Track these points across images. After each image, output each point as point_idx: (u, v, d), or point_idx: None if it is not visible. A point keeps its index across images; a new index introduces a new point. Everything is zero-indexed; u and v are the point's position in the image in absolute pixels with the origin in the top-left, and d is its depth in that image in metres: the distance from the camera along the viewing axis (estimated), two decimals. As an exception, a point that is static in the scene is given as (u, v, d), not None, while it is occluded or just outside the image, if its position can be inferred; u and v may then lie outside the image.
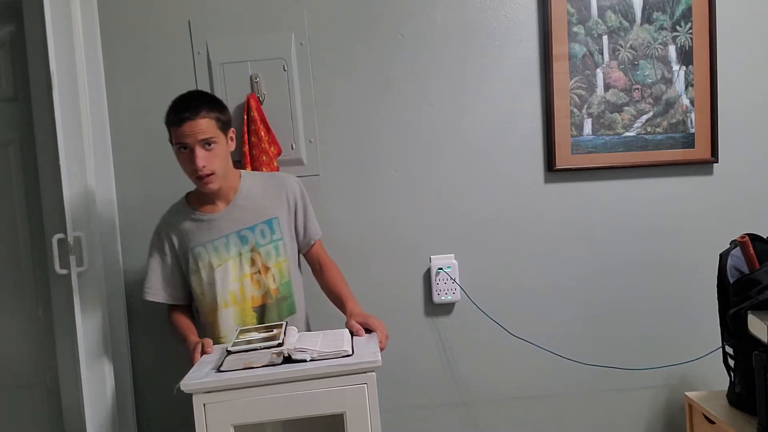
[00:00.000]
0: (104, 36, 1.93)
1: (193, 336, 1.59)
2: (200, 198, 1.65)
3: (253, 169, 1.86)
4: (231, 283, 1.62)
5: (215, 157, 1.55)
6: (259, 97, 1.91)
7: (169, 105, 1.57)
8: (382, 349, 1.42)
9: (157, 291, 1.66)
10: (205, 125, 1.51)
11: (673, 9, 1.98)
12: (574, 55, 1.97)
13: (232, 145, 1.63)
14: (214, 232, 1.62)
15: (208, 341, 1.50)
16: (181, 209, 1.68)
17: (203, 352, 1.46)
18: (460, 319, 2.02)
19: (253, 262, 1.63)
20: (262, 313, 1.65)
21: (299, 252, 1.75)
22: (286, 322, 1.51)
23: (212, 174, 1.55)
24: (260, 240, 1.63)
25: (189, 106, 1.53)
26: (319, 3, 1.95)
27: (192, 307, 1.73)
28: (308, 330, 1.74)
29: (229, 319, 1.62)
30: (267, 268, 1.64)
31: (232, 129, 1.64)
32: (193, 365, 1.40)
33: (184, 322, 1.66)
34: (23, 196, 1.98)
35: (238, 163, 1.91)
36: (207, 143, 1.52)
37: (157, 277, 1.66)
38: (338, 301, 1.67)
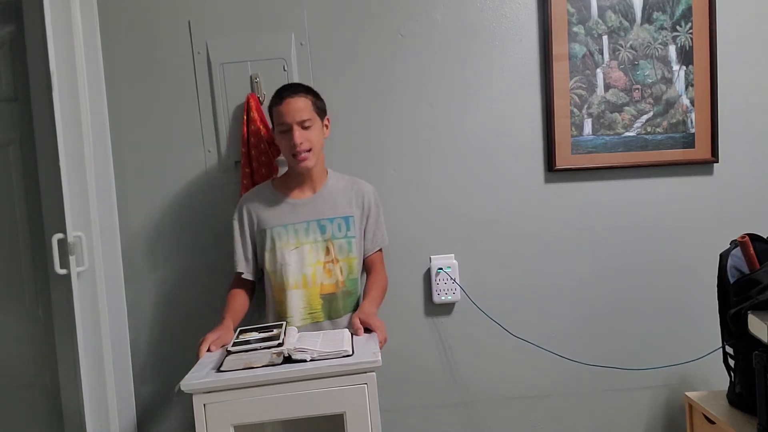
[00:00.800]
0: (104, 36, 1.93)
1: (226, 322, 1.60)
2: (288, 183, 1.75)
3: (252, 169, 1.86)
4: (306, 267, 1.69)
5: (312, 135, 1.66)
6: (259, 97, 1.91)
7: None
8: None
9: (242, 265, 1.73)
10: (302, 104, 1.65)
11: (673, 9, 1.98)
12: (574, 55, 1.97)
13: (327, 133, 1.75)
14: (297, 216, 1.71)
15: (218, 340, 1.49)
16: (265, 190, 1.76)
17: (209, 348, 1.48)
18: (460, 319, 2.02)
19: (327, 252, 1.70)
20: (329, 301, 1.70)
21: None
22: (286, 322, 1.51)
23: (309, 150, 1.65)
24: (336, 233, 1.71)
25: (288, 87, 1.69)
26: (319, 3, 1.95)
27: (254, 287, 1.78)
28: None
29: (298, 300, 1.68)
30: (337, 260, 1.71)
31: (328, 118, 1.75)
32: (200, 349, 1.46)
33: (236, 304, 1.69)
34: (23, 196, 1.98)
35: (238, 164, 1.92)
36: (304, 125, 1.64)
37: (241, 251, 1.74)
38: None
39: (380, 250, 1.81)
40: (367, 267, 1.80)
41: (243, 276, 1.73)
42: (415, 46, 1.97)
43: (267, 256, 1.70)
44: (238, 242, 1.74)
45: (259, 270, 1.76)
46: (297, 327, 1.60)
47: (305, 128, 1.64)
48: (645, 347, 2.04)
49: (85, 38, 1.83)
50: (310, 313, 1.69)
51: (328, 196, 1.73)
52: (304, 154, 1.64)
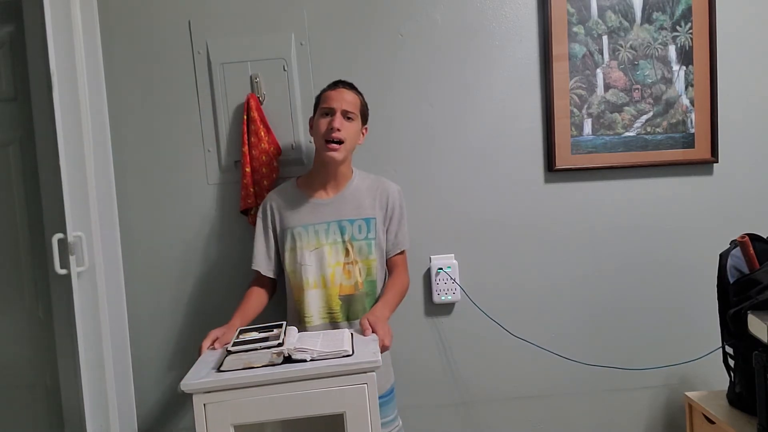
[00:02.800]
0: (104, 36, 1.93)
1: (233, 321, 1.61)
2: (312, 182, 1.75)
3: (253, 169, 1.86)
4: (325, 268, 1.69)
5: (350, 130, 1.67)
6: (259, 97, 1.91)
7: None
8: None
9: (261, 263, 1.74)
10: (352, 98, 1.69)
11: (673, 9, 1.98)
12: (574, 55, 1.97)
13: (362, 140, 1.76)
14: (318, 216, 1.71)
15: (224, 338, 1.50)
16: (290, 189, 1.77)
17: (212, 347, 1.49)
18: (460, 319, 2.02)
19: (347, 253, 1.70)
20: (348, 302, 1.70)
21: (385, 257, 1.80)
22: (286, 322, 1.51)
23: (342, 143, 1.65)
24: (357, 234, 1.71)
25: (345, 82, 1.73)
26: (319, 3, 1.95)
27: (276, 284, 1.79)
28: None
29: (316, 300, 1.69)
30: (356, 262, 1.70)
31: (366, 127, 1.77)
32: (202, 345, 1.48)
33: (249, 304, 1.69)
34: (23, 196, 1.98)
35: (238, 164, 1.92)
36: (348, 114, 1.66)
37: (261, 248, 1.75)
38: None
39: (403, 252, 1.80)
40: (389, 268, 1.80)
41: (263, 273, 1.74)
42: (415, 46, 1.97)
43: (287, 255, 1.71)
44: (260, 239, 1.75)
45: (280, 268, 1.76)
46: (316, 326, 1.64)
47: (347, 119, 1.66)
48: (645, 347, 2.04)
49: (85, 38, 1.83)
50: (328, 313, 1.69)
51: (351, 197, 1.73)
52: (335, 144, 1.65)
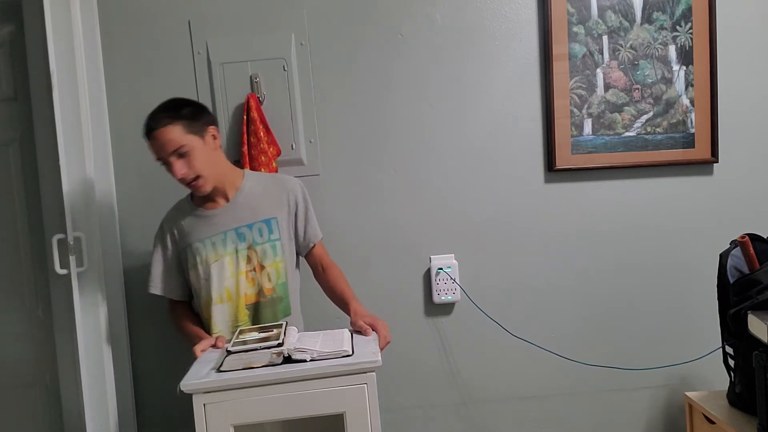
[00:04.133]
0: (104, 36, 1.93)
1: (200, 333, 1.61)
2: (203, 195, 1.66)
3: (251, 169, 1.86)
4: (227, 279, 1.62)
5: (194, 160, 1.54)
6: (259, 97, 1.91)
7: None
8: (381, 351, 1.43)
9: (158, 285, 1.68)
10: (170, 134, 1.51)
11: (673, 9, 1.98)
12: (574, 55, 1.97)
13: (216, 143, 1.62)
14: (213, 228, 1.63)
15: (222, 338, 1.52)
16: (184, 205, 1.70)
17: (215, 346, 1.49)
18: (460, 319, 2.02)
19: (249, 260, 1.64)
20: (255, 311, 1.65)
21: (299, 254, 1.75)
22: (286, 323, 1.51)
23: (199, 177, 1.55)
24: (257, 238, 1.64)
25: (154, 117, 1.53)
26: (319, 3, 1.95)
27: (192, 304, 1.73)
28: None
29: (224, 315, 1.63)
30: (262, 267, 1.64)
31: (213, 127, 1.62)
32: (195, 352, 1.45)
33: (187, 320, 1.67)
34: (23, 196, 1.98)
35: (238, 163, 1.91)
36: (179, 153, 1.52)
37: (159, 271, 1.68)
38: (341, 302, 1.67)
39: (320, 242, 1.74)
40: (315, 265, 1.74)
41: (162, 295, 1.68)
42: (415, 46, 1.97)
43: (191, 273, 1.64)
44: (158, 262, 1.67)
45: (183, 289, 1.70)
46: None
47: (182, 155, 1.52)
48: (645, 347, 2.04)
49: (85, 38, 1.83)
50: (236, 326, 1.61)
51: (245, 201, 1.65)
52: (194, 182, 1.55)
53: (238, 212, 1.64)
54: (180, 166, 1.53)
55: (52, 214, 1.87)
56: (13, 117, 1.96)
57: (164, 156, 1.53)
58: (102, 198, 1.87)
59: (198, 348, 1.48)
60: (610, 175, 2.01)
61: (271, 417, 1.31)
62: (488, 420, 2.05)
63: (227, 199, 1.66)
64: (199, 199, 1.67)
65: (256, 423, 1.31)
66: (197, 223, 1.64)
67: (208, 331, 1.63)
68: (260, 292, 1.65)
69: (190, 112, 1.56)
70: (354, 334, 1.49)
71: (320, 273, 1.74)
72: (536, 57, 1.98)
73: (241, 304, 1.64)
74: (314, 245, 1.73)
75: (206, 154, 1.57)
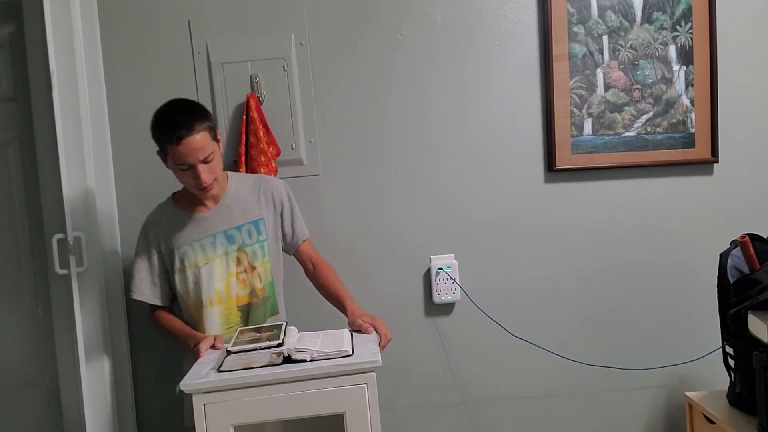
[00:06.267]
0: (104, 36, 1.93)
1: (193, 332, 1.60)
2: (189, 198, 1.65)
3: (251, 169, 1.86)
4: (217, 282, 1.62)
5: (215, 166, 1.56)
6: (258, 97, 1.91)
7: (154, 120, 1.53)
8: (382, 350, 1.44)
9: (143, 290, 1.66)
10: (201, 140, 1.50)
11: (673, 9, 1.98)
12: (574, 55, 1.97)
13: (222, 146, 1.64)
14: (202, 231, 1.63)
15: (220, 337, 1.51)
16: (168, 209, 1.68)
17: (213, 347, 1.48)
18: (460, 319, 2.02)
19: (239, 262, 1.64)
20: (247, 312, 1.66)
21: (287, 253, 1.76)
22: (286, 322, 1.51)
23: (215, 181, 1.58)
24: (247, 240, 1.65)
25: (183, 122, 1.49)
26: (319, 3, 1.95)
27: (173, 308, 1.72)
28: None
29: (215, 317, 1.63)
30: (253, 268, 1.65)
31: (218, 131, 1.62)
32: (198, 358, 1.43)
33: (178, 322, 1.66)
34: (23, 196, 1.97)
35: (235, 164, 1.91)
36: (206, 159, 1.52)
37: (144, 276, 1.66)
38: (336, 300, 1.67)
39: (307, 239, 1.75)
40: (305, 263, 1.74)
41: (148, 302, 1.66)
42: (415, 46, 1.97)
43: (177, 276, 1.63)
44: (143, 267, 1.65)
45: (168, 294, 1.69)
46: None
47: (208, 162, 1.52)
48: (645, 347, 2.04)
49: (85, 38, 1.83)
50: (228, 328, 1.62)
51: (233, 203, 1.65)
52: (209, 186, 1.55)
53: (227, 214, 1.64)
54: (207, 173, 1.53)
55: (52, 214, 1.86)
56: (13, 117, 1.96)
57: (192, 162, 1.50)
58: (102, 198, 1.87)
59: (203, 346, 1.46)
60: (610, 175, 2.01)
61: (271, 417, 1.31)
62: (488, 420, 2.05)
63: (215, 202, 1.65)
64: (185, 202, 1.66)
65: (256, 423, 1.31)
66: (184, 227, 1.63)
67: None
68: (252, 292, 1.65)
69: (209, 115, 1.57)
70: (354, 334, 1.50)
71: (311, 271, 1.75)
72: (536, 57, 1.98)
73: (232, 306, 1.64)
74: (302, 243, 1.74)
75: (221, 159, 1.60)
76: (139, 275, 1.66)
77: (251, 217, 1.66)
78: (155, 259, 1.66)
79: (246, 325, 1.64)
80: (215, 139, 1.57)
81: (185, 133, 1.47)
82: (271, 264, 1.68)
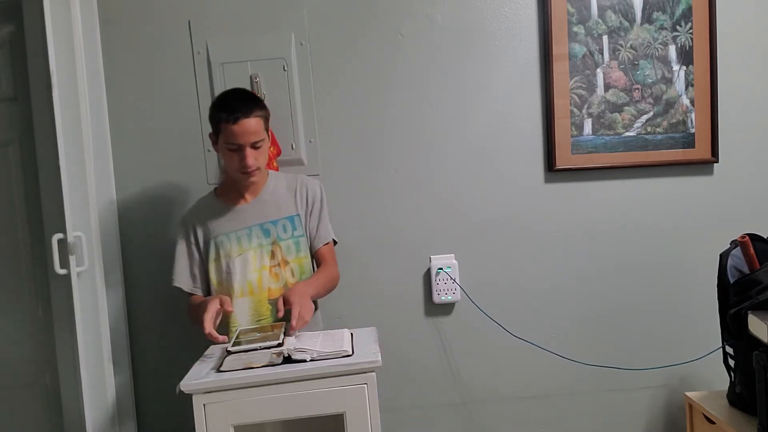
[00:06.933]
0: (104, 36, 1.93)
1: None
2: (229, 191, 1.72)
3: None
4: (250, 273, 1.66)
5: (261, 155, 1.63)
6: (259, 97, 1.91)
7: (215, 102, 1.63)
8: (293, 329, 1.44)
9: (184, 279, 1.71)
10: (255, 125, 1.58)
11: (673, 9, 1.98)
12: (574, 55, 1.97)
13: (270, 141, 1.71)
14: (239, 223, 1.68)
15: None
16: (208, 200, 1.75)
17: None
18: (460, 319, 2.02)
19: (273, 255, 1.68)
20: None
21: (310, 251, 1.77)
22: (286, 322, 1.51)
23: (258, 169, 1.63)
24: (282, 234, 1.69)
25: (241, 104, 1.58)
26: (319, 3, 1.95)
27: None
28: (321, 327, 1.75)
29: (245, 308, 1.66)
30: (286, 262, 1.69)
31: (269, 127, 1.69)
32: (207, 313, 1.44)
33: (195, 306, 1.65)
34: (23, 196, 1.97)
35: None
36: (256, 145, 1.59)
37: (184, 265, 1.71)
38: None
39: (329, 244, 1.76)
40: (317, 262, 1.76)
41: (186, 290, 1.69)
42: (415, 46, 1.97)
43: (212, 266, 1.68)
44: (182, 256, 1.70)
45: (206, 286, 1.72)
46: None
47: (256, 148, 1.60)
48: (645, 347, 2.04)
49: (85, 38, 1.83)
50: (258, 321, 1.65)
51: (270, 199, 1.71)
52: (253, 173, 1.61)
53: (264, 208, 1.69)
54: (253, 157, 1.59)
55: (52, 214, 1.86)
56: (13, 117, 1.96)
57: (242, 143, 1.57)
58: (102, 198, 1.87)
59: (207, 323, 1.43)
60: (610, 175, 2.01)
61: (271, 417, 1.31)
62: (488, 420, 2.04)
63: (254, 196, 1.71)
64: (225, 194, 1.72)
65: (256, 423, 1.31)
66: (222, 218, 1.69)
67: (228, 324, 1.64)
68: (285, 286, 1.67)
69: (266, 109, 1.65)
70: (354, 334, 1.50)
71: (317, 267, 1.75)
72: (536, 57, 1.98)
73: (263, 298, 1.67)
74: (323, 245, 1.75)
75: (267, 149, 1.67)
76: (179, 263, 1.71)
77: (287, 212, 1.71)
78: (194, 248, 1.71)
79: (275, 319, 1.64)
80: (267, 129, 1.64)
81: (242, 115, 1.56)
82: (309, 260, 1.72)
